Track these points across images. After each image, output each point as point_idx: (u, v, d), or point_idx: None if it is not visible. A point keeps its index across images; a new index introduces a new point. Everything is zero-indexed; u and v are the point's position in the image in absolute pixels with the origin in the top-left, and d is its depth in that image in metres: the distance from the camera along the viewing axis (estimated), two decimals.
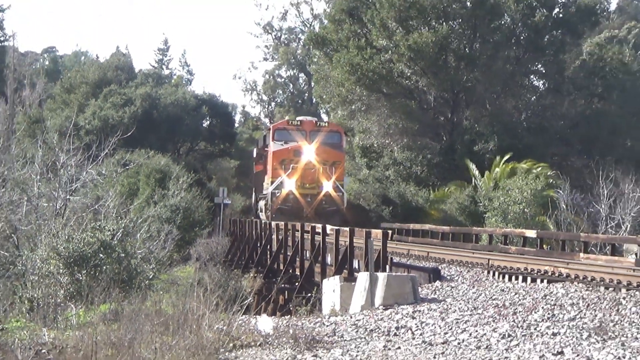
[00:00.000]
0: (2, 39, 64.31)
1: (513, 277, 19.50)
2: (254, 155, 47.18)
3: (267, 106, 70.24)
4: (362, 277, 17.75)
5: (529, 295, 16.84)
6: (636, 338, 12.37)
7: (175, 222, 31.77)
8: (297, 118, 40.77)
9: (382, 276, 17.27)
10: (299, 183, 36.44)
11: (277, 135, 38.13)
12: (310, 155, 36.54)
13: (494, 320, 14.39)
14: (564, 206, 34.72)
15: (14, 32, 77.20)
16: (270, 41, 69.36)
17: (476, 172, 41.12)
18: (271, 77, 69.91)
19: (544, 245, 28.71)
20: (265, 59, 69.96)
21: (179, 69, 77.67)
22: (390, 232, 22.64)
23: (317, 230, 25.02)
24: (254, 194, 46.04)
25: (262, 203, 41.31)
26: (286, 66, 69.25)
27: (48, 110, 54.71)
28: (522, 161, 39.70)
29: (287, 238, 28.25)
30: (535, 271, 19.14)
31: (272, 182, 36.97)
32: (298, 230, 27.12)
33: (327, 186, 36.58)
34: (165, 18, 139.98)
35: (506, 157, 40.12)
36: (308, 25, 66.68)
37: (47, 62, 76.72)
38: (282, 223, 29.36)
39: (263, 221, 34.83)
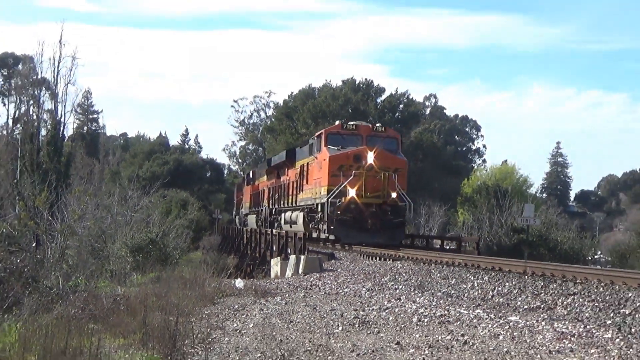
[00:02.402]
0: (98, 130, 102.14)
1: (373, 258, 27.89)
2: (235, 191, 75.34)
3: (241, 165, 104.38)
4: (292, 258, 27.36)
5: (382, 268, 24.09)
6: (439, 291, 18.35)
7: (191, 228, 44.40)
8: (350, 122, 35.79)
9: (302, 257, 26.25)
10: (361, 191, 31.65)
11: (331, 140, 33.53)
12: (373, 161, 31.72)
13: (363, 281, 21.15)
14: None
15: (103, 124, 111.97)
16: (243, 130, 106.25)
17: None
18: (243, 149, 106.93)
19: None
20: (240, 140, 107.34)
21: (193, 144, 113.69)
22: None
23: (267, 232, 40.58)
24: (234, 212, 74.23)
25: (294, 215, 38.89)
26: (251, 143, 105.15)
27: (122, 167, 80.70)
28: None
29: (252, 237, 45.43)
30: (386, 255, 27.47)
31: (328, 191, 31.95)
32: (257, 233, 44.06)
33: (393, 195, 31.99)
34: (187, 117, 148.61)
35: None
36: (264, 121, 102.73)
37: (121, 141, 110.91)
38: (249, 229, 44.52)
39: (237, 227, 55.20)
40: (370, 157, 31.56)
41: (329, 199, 31.41)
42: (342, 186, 31.19)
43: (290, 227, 39.32)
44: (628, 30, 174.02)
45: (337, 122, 35.93)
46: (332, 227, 31.65)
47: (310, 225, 35.68)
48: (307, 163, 36.86)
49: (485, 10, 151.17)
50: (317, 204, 33.86)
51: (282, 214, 43.12)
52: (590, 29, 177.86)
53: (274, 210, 46.68)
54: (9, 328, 14.04)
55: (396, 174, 32.12)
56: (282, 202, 44.03)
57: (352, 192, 31.16)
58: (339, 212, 31.07)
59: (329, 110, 76.27)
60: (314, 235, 34.71)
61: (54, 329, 12.58)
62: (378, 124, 36.86)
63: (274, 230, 40.61)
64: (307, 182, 36.46)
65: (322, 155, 33.31)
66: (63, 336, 12.02)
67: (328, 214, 31.57)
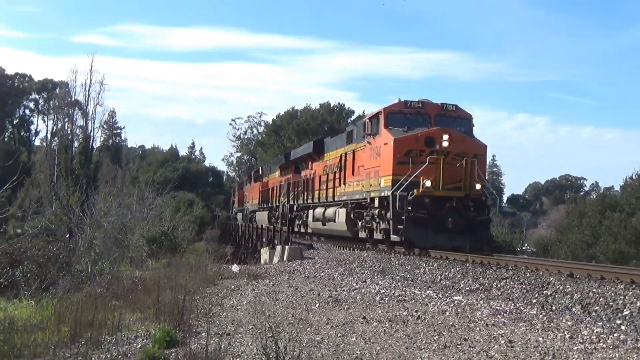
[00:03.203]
0: (120, 142, 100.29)
1: (344, 248, 27.60)
2: (236, 189, 71.32)
3: (237, 172, 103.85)
4: (278, 248, 26.93)
5: (351, 256, 23.87)
6: (397, 275, 18.30)
7: (196, 222, 45.26)
8: (414, 100, 23.68)
9: (287, 247, 25.87)
10: (438, 182, 21.22)
11: (392, 120, 22.91)
12: (448, 145, 21.44)
13: (335, 267, 21.03)
14: None
15: (125, 138, 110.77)
16: (239, 144, 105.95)
17: None
18: (239, 159, 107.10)
19: None
20: (236, 151, 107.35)
21: (198, 155, 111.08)
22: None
23: (258, 227, 38.06)
24: (232, 210, 73.26)
25: (331, 211, 28.81)
26: (246, 155, 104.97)
27: (140, 173, 78.50)
28: None
29: (246, 230, 42.67)
30: (355, 246, 26.82)
31: (394, 182, 21.39)
32: (250, 228, 40.70)
33: (478, 187, 21.75)
34: (193, 133, 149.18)
35: None
36: (256, 136, 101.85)
37: (139, 152, 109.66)
38: (243, 223, 41.04)
39: (238, 222, 49.19)
40: (446, 141, 21.44)
41: (397, 192, 21.04)
42: (414, 175, 20.99)
43: (323, 224, 30.52)
44: (550, 65, 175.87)
45: (396, 100, 23.87)
46: (399, 227, 21.02)
47: (360, 224, 25.93)
48: (353, 150, 26.70)
49: (435, 48, 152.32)
50: (372, 198, 23.66)
51: (309, 211, 33.59)
52: (519, 64, 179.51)
53: (296, 206, 37.20)
54: (47, 304, 13.97)
55: (476, 161, 22.08)
56: (306, 198, 34.58)
57: (427, 183, 21.00)
58: (409, 207, 20.71)
59: (309, 128, 76.17)
60: (362, 235, 25.91)
61: (83, 305, 12.55)
62: (450, 105, 23.89)
63: (264, 225, 38.64)
64: (352, 173, 26.53)
65: (383, 138, 22.96)
66: (91, 311, 12.00)
67: (395, 211, 20.99)
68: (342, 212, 27.49)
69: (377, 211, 23.35)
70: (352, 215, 26.61)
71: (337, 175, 28.94)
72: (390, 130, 22.61)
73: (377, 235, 24.12)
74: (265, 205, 47.95)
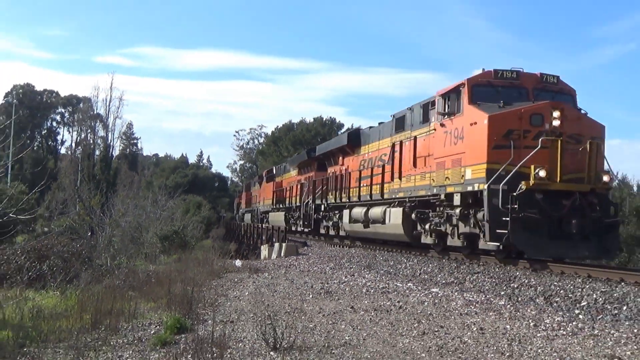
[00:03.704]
0: (137, 151, 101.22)
1: (335, 246, 27.52)
2: (243, 191, 67.81)
3: (240, 178, 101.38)
4: (277, 245, 26.92)
5: (341, 253, 23.81)
6: (382, 269, 18.38)
7: (204, 222, 45.29)
8: (506, 70, 16.18)
9: (284, 244, 26.09)
10: (555, 172, 14.28)
11: (478, 94, 15.84)
12: (562, 125, 14.50)
13: (327, 262, 21.11)
14: None
15: (141, 147, 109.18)
16: (242, 153, 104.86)
17: None
18: (242, 167, 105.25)
19: None
20: (240, 159, 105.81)
21: (206, 162, 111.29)
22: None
23: (259, 226, 37.91)
24: (236, 211, 71.67)
25: (379, 211, 21.35)
26: (248, 162, 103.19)
27: (154, 178, 76.46)
28: None
29: (247, 230, 42.56)
30: (345, 243, 27.21)
31: (489, 172, 14.54)
32: (251, 227, 40.75)
33: (605, 179, 15.05)
34: (201, 143, 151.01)
35: None
36: (257, 146, 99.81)
37: (154, 159, 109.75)
38: (247, 223, 40.05)
39: (245, 222, 47.46)
40: (557, 119, 14.45)
41: (496, 184, 14.18)
42: (520, 164, 14.13)
43: (366, 227, 23.21)
44: None
45: (481, 70, 16.47)
46: (500, 232, 14.09)
47: (423, 227, 18.56)
48: (413, 138, 19.34)
49: (415, 69, 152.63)
50: (448, 195, 16.59)
51: (343, 211, 26.30)
52: None
53: (324, 206, 29.88)
54: (70, 295, 13.90)
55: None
56: (339, 197, 27.25)
57: (540, 173, 14.04)
58: (515, 205, 13.87)
59: (304, 139, 75.75)
60: (427, 240, 18.54)
61: (103, 295, 12.51)
62: (551, 76, 16.37)
63: (263, 225, 37.24)
64: (414, 165, 19.09)
65: (468, 116, 15.74)
66: (109, 300, 11.96)
67: (492, 210, 14.21)
68: (395, 212, 20.07)
69: (457, 210, 16.14)
70: (412, 215, 18.97)
71: (386, 169, 21.63)
72: (480, 106, 15.48)
73: (454, 242, 16.89)
74: (280, 206, 40.95)
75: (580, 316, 10.08)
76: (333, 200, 28.31)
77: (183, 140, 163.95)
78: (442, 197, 17.05)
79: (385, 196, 21.62)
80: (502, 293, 12.64)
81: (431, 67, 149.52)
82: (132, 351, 8.99)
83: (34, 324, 10.65)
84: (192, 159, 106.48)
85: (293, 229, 35.35)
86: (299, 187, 35.60)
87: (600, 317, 9.97)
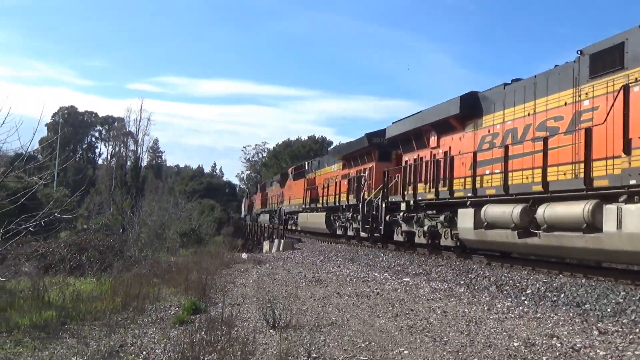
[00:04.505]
0: (161, 163, 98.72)
1: (324, 242, 27.14)
2: (247, 196, 68.52)
3: (247, 185, 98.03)
4: (276, 241, 26.81)
5: (329, 248, 23.66)
6: (363, 262, 18.11)
7: (216, 222, 43.71)
8: None
9: (282, 240, 26.10)
10: None
11: None
12: None
13: (318, 255, 21.04)
14: None
15: (165, 159, 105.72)
16: (248, 165, 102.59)
17: None
18: (248, 176, 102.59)
19: None
20: (246, 170, 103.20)
21: (218, 172, 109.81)
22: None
23: (262, 225, 37.81)
24: (244, 212, 65.79)
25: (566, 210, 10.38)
26: (253, 173, 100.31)
27: (175, 185, 74.78)
28: None
29: (252, 228, 43.58)
30: (333, 240, 26.63)
31: None
32: (255, 226, 40.80)
33: None
34: (215, 156, 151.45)
35: None
36: (261, 159, 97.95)
37: (175, 169, 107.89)
38: (251, 222, 39.69)
39: (260, 223, 43.57)
40: None
41: None
42: None
43: (525, 235, 12.00)
44: None
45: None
46: None
47: None
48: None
49: (392, 97, 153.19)
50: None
51: (464, 210, 14.27)
52: None
53: (409, 203, 17.80)
54: (105, 281, 13.79)
55: None
56: (449, 189, 15.37)
57: None
58: None
59: (300, 154, 75.66)
60: None
61: (132, 282, 12.40)
62: None
63: (264, 224, 37.60)
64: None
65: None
66: (137, 286, 11.86)
67: None
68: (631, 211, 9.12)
69: None
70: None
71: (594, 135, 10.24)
72: None
73: None
74: (315, 205, 30.04)
75: (526, 302, 10.07)
76: (433, 196, 16.08)
77: (199, 153, 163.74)
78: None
79: (597, 183, 10.10)
80: (462, 282, 12.61)
81: (404, 95, 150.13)
82: (155, 328, 8.93)
83: (73, 306, 10.56)
84: (207, 169, 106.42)
85: (339, 232, 25.26)
86: (345, 182, 25.33)
87: (542, 302, 9.96)
